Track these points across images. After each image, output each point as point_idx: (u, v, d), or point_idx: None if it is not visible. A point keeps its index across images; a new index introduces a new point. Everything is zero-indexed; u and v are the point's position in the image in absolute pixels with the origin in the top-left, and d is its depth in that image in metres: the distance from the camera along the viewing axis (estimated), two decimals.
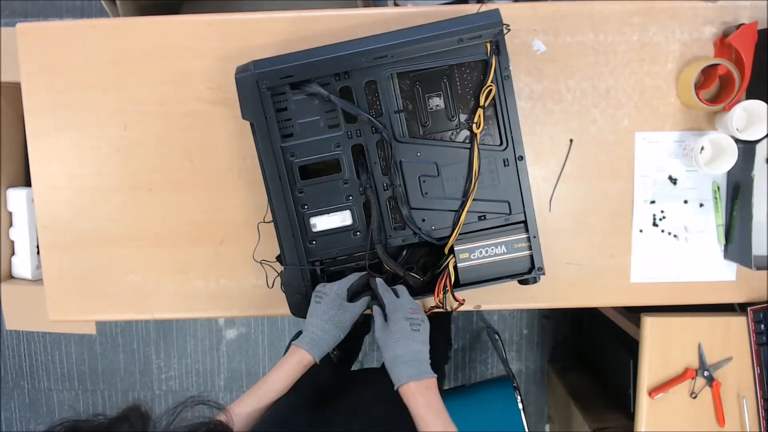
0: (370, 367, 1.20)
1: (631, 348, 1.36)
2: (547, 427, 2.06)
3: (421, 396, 0.71)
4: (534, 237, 0.88)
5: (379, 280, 0.84)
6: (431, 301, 0.89)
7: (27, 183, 1.35)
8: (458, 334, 2.04)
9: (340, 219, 0.89)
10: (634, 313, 1.31)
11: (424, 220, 0.89)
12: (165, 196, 1.03)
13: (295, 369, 0.77)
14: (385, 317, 0.80)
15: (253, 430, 0.74)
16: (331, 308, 0.81)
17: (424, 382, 0.73)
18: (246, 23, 0.99)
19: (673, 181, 1.02)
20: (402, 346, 0.75)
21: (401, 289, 0.83)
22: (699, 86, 0.98)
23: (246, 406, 0.74)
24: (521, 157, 0.88)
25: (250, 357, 2.10)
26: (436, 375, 0.75)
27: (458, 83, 0.87)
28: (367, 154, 0.88)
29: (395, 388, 0.74)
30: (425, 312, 0.96)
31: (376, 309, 0.82)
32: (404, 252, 0.90)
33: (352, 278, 0.86)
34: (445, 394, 1.15)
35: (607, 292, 1.04)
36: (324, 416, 0.85)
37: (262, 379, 0.78)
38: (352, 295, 0.85)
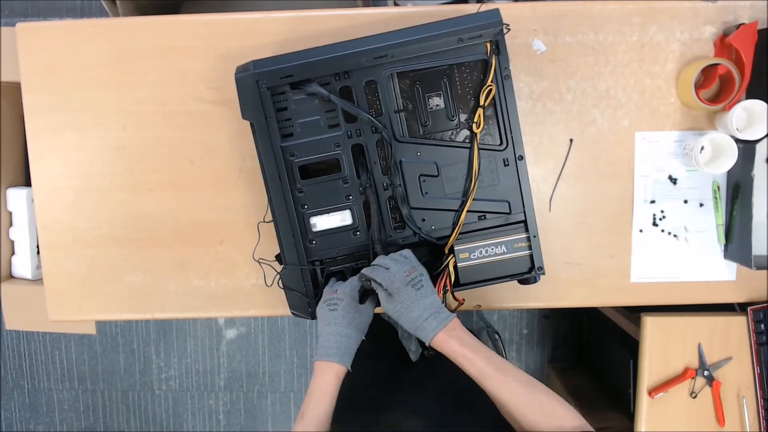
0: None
1: (631, 348, 1.36)
2: None
3: (452, 339, 0.72)
4: (534, 237, 0.88)
5: (364, 270, 0.81)
6: None
7: (27, 183, 1.35)
8: None
9: (340, 219, 0.89)
10: (634, 313, 1.31)
11: (424, 220, 0.89)
12: (165, 196, 1.03)
13: (336, 386, 0.76)
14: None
15: None
16: (349, 312, 0.80)
17: (449, 326, 0.73)
18: (245, 23, 1.00)
19: (673, 181, 1.02)
20: (416, 309, 0.75)
21: (386, 259, 0.80)
22: (699, 86, 0.98)
23: None
24: (521, 157, 0.88)
25: (250, 357, 2.10)
26: (454, 315, 0.75)
27: (458, 83, 0.87)
28: (367, 153, 0.88)
29: (427, 344, 0.74)
30: None
31: (378, 289, 0.78)
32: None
33: (355, 281, 0.84)
34: None
35: (607, 292, 1.04)
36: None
37: (308, 409, 0.74)
38: (360, 296, 0.84)
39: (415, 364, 1.22)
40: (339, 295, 0.82)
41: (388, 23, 0.97)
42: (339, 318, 0.79)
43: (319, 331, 0.81)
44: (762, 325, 1.01)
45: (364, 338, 0.80)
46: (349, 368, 0.77)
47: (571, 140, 1.01)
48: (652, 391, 1.04)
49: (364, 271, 0.81)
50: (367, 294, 0.84)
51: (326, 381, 0.75)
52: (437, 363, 1.07)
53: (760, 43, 0.94)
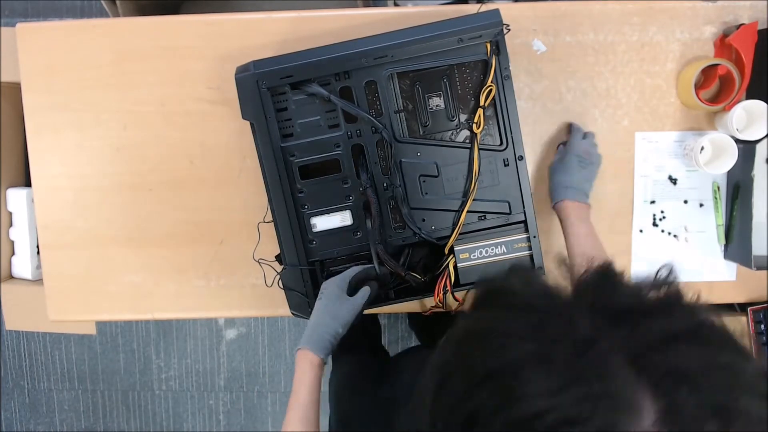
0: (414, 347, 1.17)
1: None
2: None
3: (573, 212, 0.88)
4: (534, 237, 0.88)
5: (576, 129, 0.98)
6: (431, 301, 0.89)
7: (27, 183, 1.35)
8: None
9: (340, 219, 0.89)
10: None
11: (424, 220, 0.89)
12: (165, 196, 1.03)
13: (314, 373, 0.76)
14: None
15: None
16: (330, 301, 0.80)
17: (580, 204, 0.90)
18: (246, 23, 1.00)
19: (673, 181, 1.02)
20: (565, 175, 0.91)
21: (587, 134, 0.96)
22: (699, 86, 0.98)
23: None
24: (521, 157, 0.88)
25: (250, 357, 2.10)
26: (590, 205, 0.91)
27: (458, 83, 0.87)
28: (367, 154, 0.88)
29: (552, 205, 0.92)
30: (426, 312, 0.96)
31: (560, 149, 0.97)
32: (407, 251, 0.90)
33: (354, 270, 0.85)
34: None
35: None
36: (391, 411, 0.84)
37: (291, 399, 0.76)
38: (355, 286, 0.83)
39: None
40: (325, 284, 0.83)
41: (388, 23, 0.97)
42: (320, 307, 0.80)
43: None
44: (762, 325, 1.01)
45: (341, 330, 0.78)
46: (323, 358, 0.77)
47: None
48: None
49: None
50: (360, 285, 0.83)
51: (301, 368, 0.76)
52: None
53: (760, 43, 0.94)
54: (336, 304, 0.80)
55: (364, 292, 0.82)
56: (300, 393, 0.75)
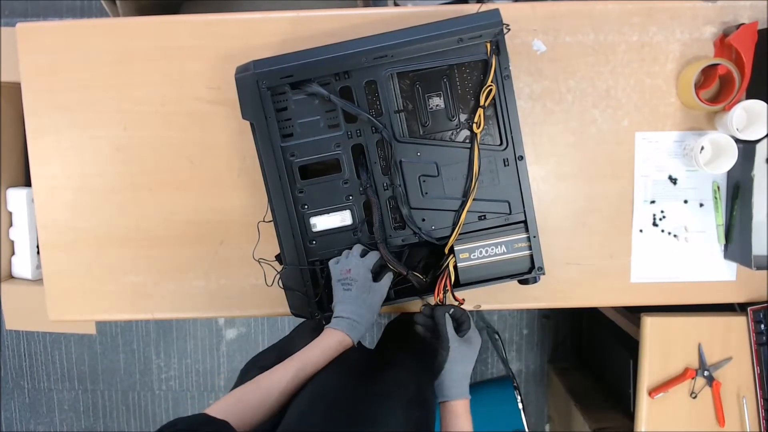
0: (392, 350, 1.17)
1: (631, 348, 1.36)
2: (547, 427, 2.06)
3: (466, 413, 0.79)
4: (534, 237, 0.88)
5: (448, 318, 0.83)
6: (431, 301, 0.89)
7: (27, 183, 1.35)
8: None
9: (340, 219, 0.89)
10: (634, 313, 1.31)
11: (424, 220, 0.89)
12: (165, 196, 1.03)
13: (336, 350, 0.77)
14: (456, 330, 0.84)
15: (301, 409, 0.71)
16: (363, 293, 0.81)
17: (468, 403, 0.80)
18: (246, 23, 1.00)
19: (673, 181, 1.02)
20: (468, 367, 0.83)
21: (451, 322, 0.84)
22: (699, 86, 0.98)
23: (283, 381, 0.72)
24: (521, 157, 0.88)
25: (250, 357, 2.10)
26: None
27: (458, 83, 0.87)
28: (367, 153, 0.88)
29: (441, 400, 0.79)
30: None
31: (449, 320, 0.83)
32: (405, 250, 0.90)
33: (375, 256, 0.85)
34: None
35: (607, 292, 1.04)
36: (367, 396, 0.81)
37: (300, 354, 0.75)
38: (375, 273, 0.85)
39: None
40: (353, 275, 0.83)
41: (388, 23, 0.97)
42: (352, 299, 0.81)
43: (333, 303, 0.83)
44: (762, 325, 1.01)
45: (375, 318, 0.81)
46: (355, 344, 0.78)
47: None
48: (652, 391, 1.04)
49: (447, 318, 0.82)
50: (382, 271, 0.85)
51: (327, 341, 0.77)
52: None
53: (760, 43, 0.94)
54: (369, 295, 0.82)
55: (388, 278, 0.85)
56: (311, 356, 0.74)
